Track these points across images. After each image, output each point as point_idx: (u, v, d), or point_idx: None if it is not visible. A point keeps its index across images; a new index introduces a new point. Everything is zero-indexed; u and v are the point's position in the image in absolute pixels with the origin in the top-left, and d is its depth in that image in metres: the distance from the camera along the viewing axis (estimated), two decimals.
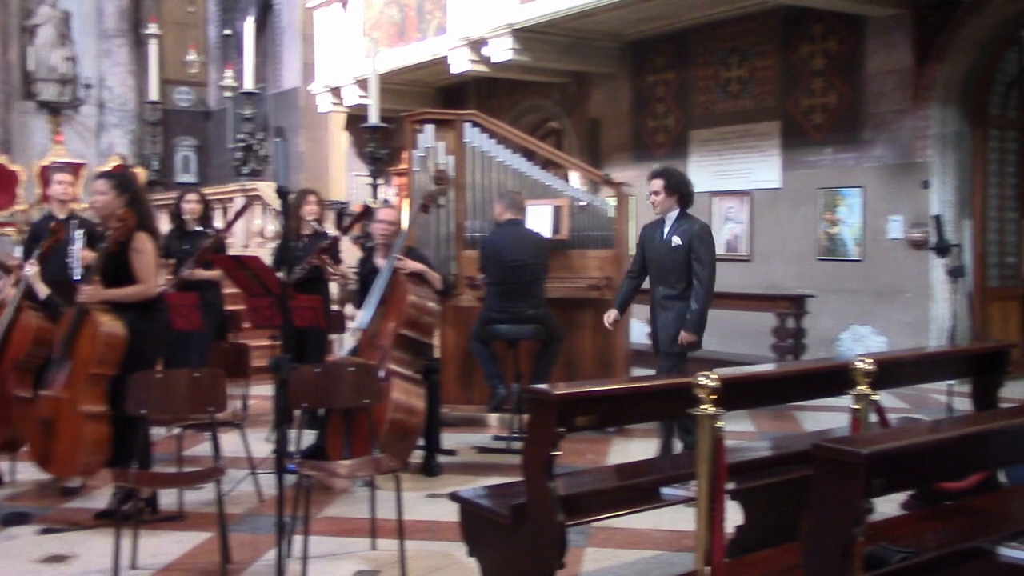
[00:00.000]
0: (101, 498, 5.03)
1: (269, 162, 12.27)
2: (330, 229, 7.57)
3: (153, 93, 13.25)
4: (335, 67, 12.73)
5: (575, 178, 9.46)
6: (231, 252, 8.11)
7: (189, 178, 14.02)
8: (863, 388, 3.35)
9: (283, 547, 3.66)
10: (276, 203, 10.17)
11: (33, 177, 12.15)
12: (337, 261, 6.86)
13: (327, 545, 4.43)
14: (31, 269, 5.26)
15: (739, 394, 3.53)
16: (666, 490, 3.44)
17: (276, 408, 5.60)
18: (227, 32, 14.20)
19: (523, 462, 3.31)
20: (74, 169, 9.56)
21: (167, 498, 4.99)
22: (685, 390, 2.91)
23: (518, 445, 5.88)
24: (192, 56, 14.17)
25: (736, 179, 10.44)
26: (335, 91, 12.88)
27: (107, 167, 12.43)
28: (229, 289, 7.35)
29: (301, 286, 6.44)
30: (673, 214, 5.66)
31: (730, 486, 3.15)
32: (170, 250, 7.04)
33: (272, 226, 11.00)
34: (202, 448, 6.21)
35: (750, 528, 4.03)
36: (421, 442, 5.73)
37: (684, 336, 5.56)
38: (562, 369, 6.96)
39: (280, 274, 5.76)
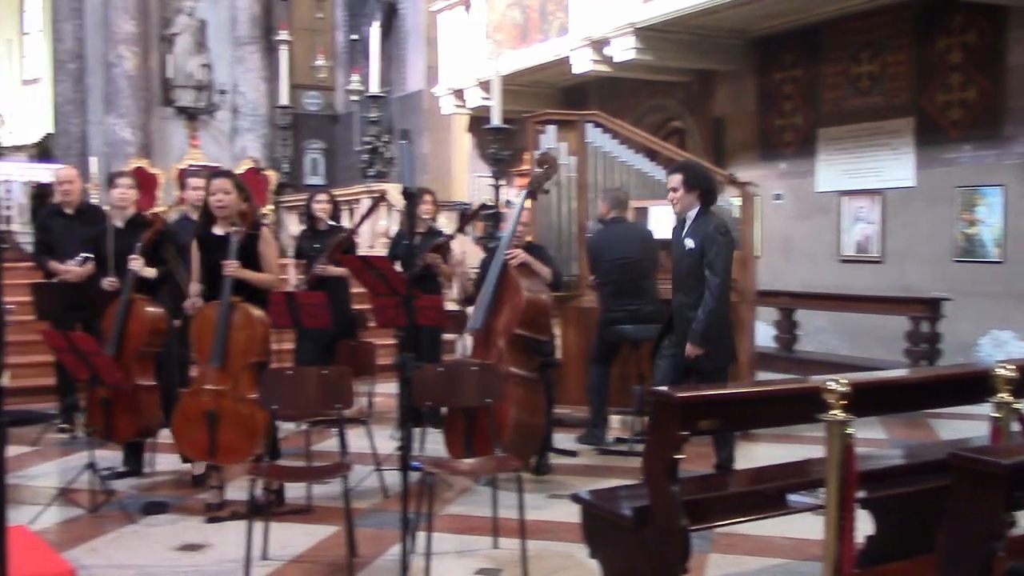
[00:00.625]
0: (234, 490, 5.19)
1: (394, 164, 12.49)
2: (447, 229, 7.66)
3: (283, 98, 13.66)
4: (458, 70, 12.87)
5: None
6: (358, 252, 8.29)
7: (318, 180, 14.39)
8: (1004, 396, 3.20)
9: (407, 542, 3.72)
10: (401, 204, 10.35)
11: (171, 180, 12.68)
12: (447, 260, 6.94)
13: (449, 542, 4.48)
14: (136, 263, 5.46)
15: (870, 400, 3.42)
16: (793, 497, 3.36)
17: (400, 406, 5.70)
18: (354, 37, 14.52)
19: (645, 465, 3.28)
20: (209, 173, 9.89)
21: (296, 491, 5.13)
22: (813, 395, 2.84)
23: (640, 448, 5.83)
24: (320, 61, 14.55)
25: (867, 178, 10.12)
26: (458, 93, 13.02)
27: (240, 170, 12.89)
28: (356, 289, 7.51)
29: (417, 284, 6.53)
30: (693, 213, 5.23)
31: (860, 495, 3.05)
32: (301, 249, 7.24)
33: (396, 227, 11.19)
34: (329, 444, 6.36)
35: (881, 539, 3.90)
36: None
37: (689, 348, 5.17)
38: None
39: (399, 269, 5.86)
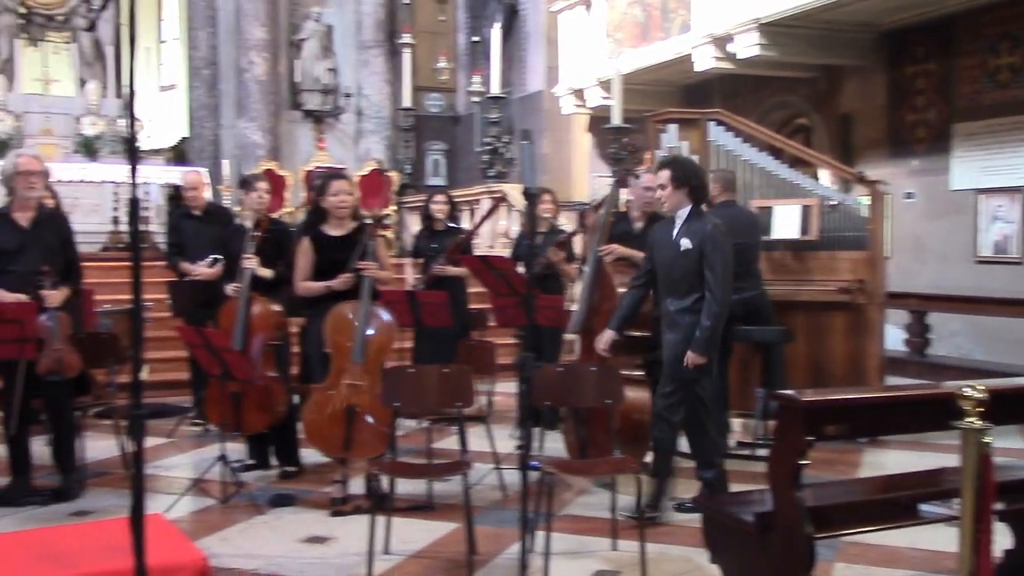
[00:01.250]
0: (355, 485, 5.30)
1: (514, 164, 12.54)
2: (569, 228, 7.65)
3: (406, 100, 13.89)
4: (578, 69, 12.86)
5: (825, 176, 9.08)
6: (478, 252, 8.37)
7: (439, 181, 14.57)
8: None
9: (526, 541, 3.73)
10: (521, 204, 10.39)
11: (299, 181, 13.03)
12: (571, 259, 6.92)
13: (568, 543, 4.47)
14: (249, 262, 5.61)
15: (1010, 408, 3.27)
16: (925, 507, 3.23)
17: (520, 406, 5.72)
18: (475, 39, 14.66)
19: (769, 470, 3.21)
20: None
21: (417, 487, 5.20)
22: (947, 401, 2.73)
23: (762, 452, 5.71)
24: (442, 63, 14.73)
25: (1006, 175, 9.67)
26: (578, 93, 13.00)
27: (364, 171, 13.16)
28: (474, 288, 7.58)
29: (538, 283, 6.54)
30: (684, 212, 4.85)
31: (998, 506, 2.92)
32: (419, 249, 7.35)
33: (516, 227, 11.25)
34: (449, 442, 6.44)
35: (1020, 553, 3.73)
36: None
37: (691, 357, 4.74)
38: (811, 375, 6.71)
39: (519, 269, 5.88)
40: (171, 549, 3.94)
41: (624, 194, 6.10)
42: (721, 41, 10.51)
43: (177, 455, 6.40)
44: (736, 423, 6.96)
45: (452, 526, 4.74)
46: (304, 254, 5.20)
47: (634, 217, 5.80)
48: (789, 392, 3.22)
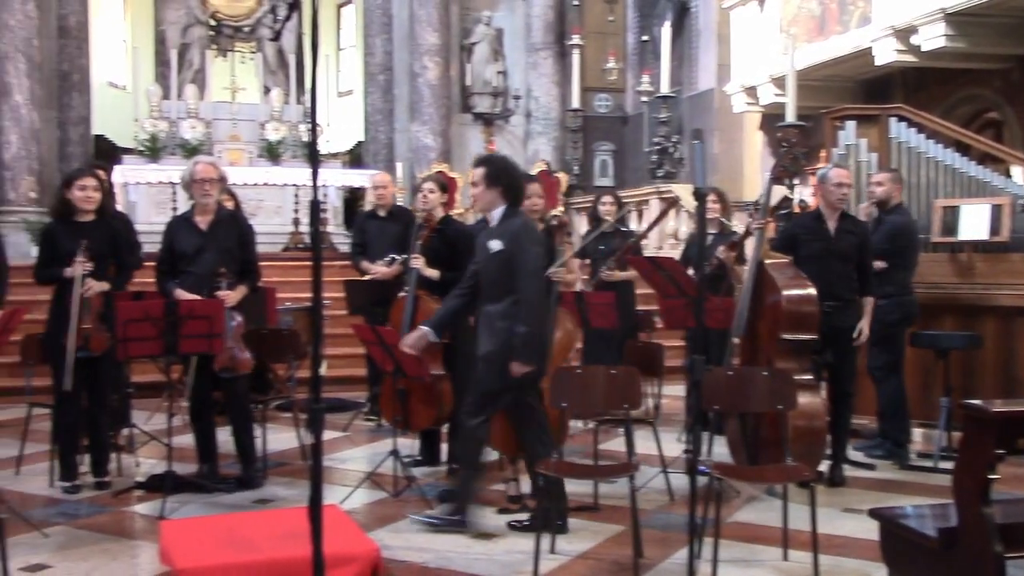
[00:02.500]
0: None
1: (683, 164, 12.37)
2: (740, 229, 7.47)
3: (575, 101, 13.91)
4: (750, 66, 12.57)
5: (1018, 173, 8.55)
6: (646, 254, 8.30)
7: (606, 182, 14.53)
8: None
9: (694, 547, 3.67)
10: (691, 205, 10.24)
11: (469, 183, 13.26)
12: (742, 261, 6.77)
13: (736, 550, 4.38)
14: (417, 262, 5.70)
15: None
16: None
17: (689, 409, 5.64)
18: (644, 38, 14.55)
19: (954, 484, 3.05)
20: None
21: (583, 488, 5.20)
22: None
23: (946, 465, 5.43)
24: (611, 63, 14.68)
25: None
26: (750, 91, 12.71)
27: (533, 173, 13.26)
28: (642, 289, 7.52)
29: (710, 285, 6.43)
30: (498, 212, 4.66)
31: None
32: (586, 250, 7.35)
33: (685, 228, 11.10)
34: (614, 443, 6.41)
35: None
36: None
37: (517, 368, 4.48)
38: (1001, 383, 6.33)
39: (689, 271, 5.78)
40: (346, 539, 4.07)
41: (802, 193, 5.93)
42: (904, 33, 10.05)
43: (352, 449, 6.62)
44: (917, 433, 6.64)
45: (618, 528, 4.71)
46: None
47: (826, 216, 5.63)
48: (978, 402, 3.04)
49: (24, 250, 10.74)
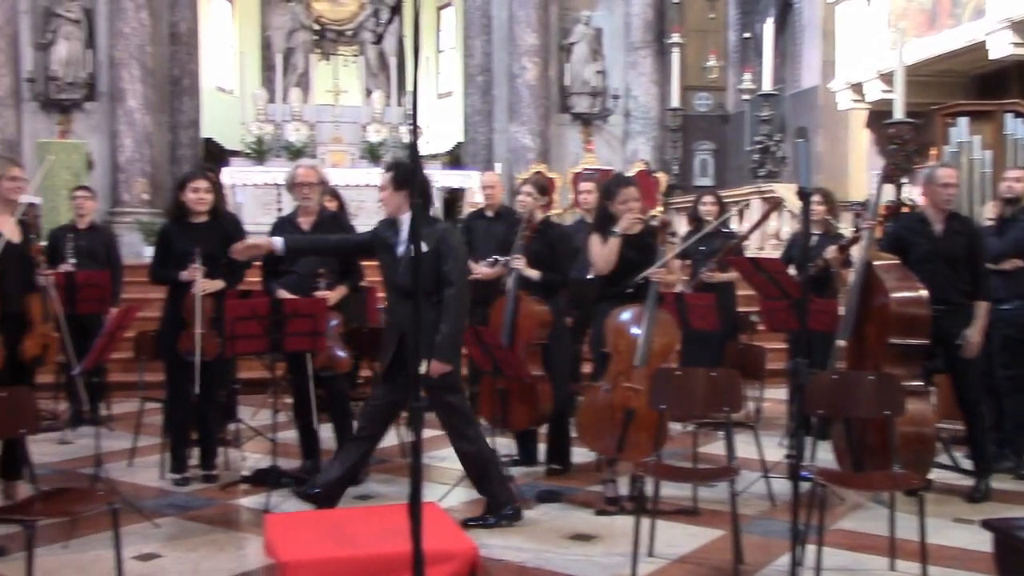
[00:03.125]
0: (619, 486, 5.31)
1: (786, 163, 12.14)
2: (846, 230, 7.30)
3: (674, 100, 13.77)
4: (856, 62, 12.26)
5: None
6: (748, 255, 8.17)
7: (706, 181, 14.35)
8: None
9: (797, 554, 3.60)
10: (795, 205, 10.05)
11: (567, 184, 13.25)
12: (848, 264, 6.60)
13: (840, 559, 4.27)
14: (517, 262, 5.70)
15: None
16: None
17: (791, 413, 5.53)
18: (746, 35, 14.32)
19: None
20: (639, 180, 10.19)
21: (682, 492, 5.14)
22: None
23: None
24: (711, 62, 14.50)
25: None
26: (856, 87, 12.39)
27: (632, 173, 13.18)
28: (743, 291, 7.40)
29: (815, 287, 6.29)
30: (407, 216, 4.66)
31: None
32: (687, 251, 7.27)
33: (787, 228, 10.89)
34: (714, 447, 6.33)
35: None
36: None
37: (434, 367, 4.58)
38: None
39: (790, 271, 5.66)
40: (445, 537, 4.11)
41: (911, 193, 5.75)
42: (1020, 26, 9.67)
43: (450, 447, 6.66)
44: None
45: (717, 533, 4.65)
46: (596, 244, 5.27)
47: (932, 217, 5.43)
48: None
49: (136, 249, 11.14)
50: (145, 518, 4.82)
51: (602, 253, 5.20)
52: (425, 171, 5.06)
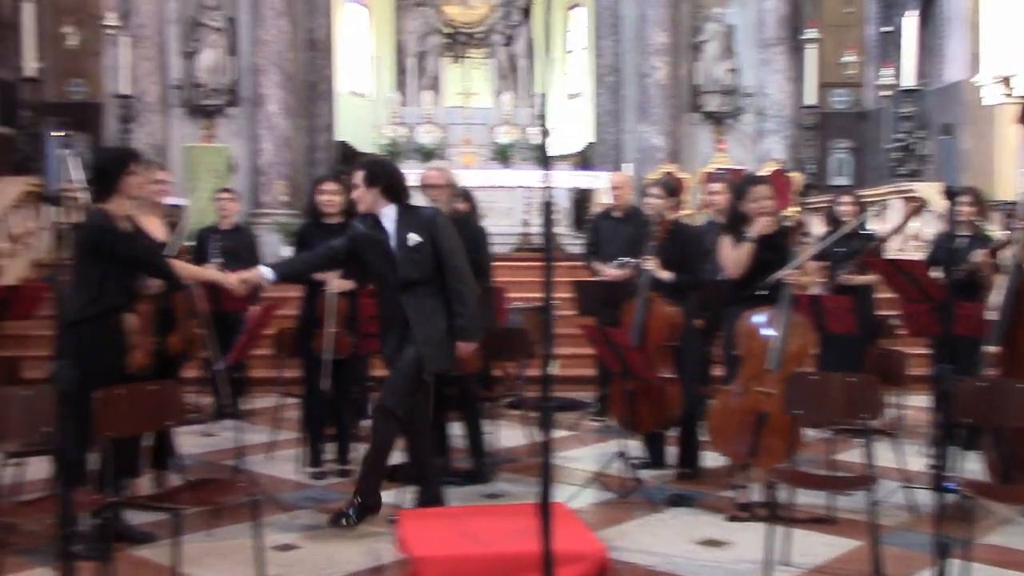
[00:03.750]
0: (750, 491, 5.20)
1: (928, 161, 11.68)
2: (996, 232, 6.97)
3: (810, 97, 13.41)
4: (1005, 55, 11.70)
5: None
6: (887, 256, 7.90)
7: (843, 181, 13.91)
8: None
9: (941, 568, 3.46)
10: (940, 205, 9.67)
11: (697, 184, 13.07)
12: (998, 268, 6.31)
13: (987, 575, 4.08)
14: (649, 263, 5.62)
15: None
16: None
17: (935, 421, 5.32)
18: (886, 29, 13.84)
19: None
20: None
21: (818, 499, 5.00)
22: None
23: None
24: (849, 57, 14.07)
25: None
26: (1005, 81, 11.83)
27: (764, 172, 12.90)
28: (883, 293, 7.16)
29: (961, 290, 6.03)
30: (390, 210, 4.78)
31: None
32: (823, 252, 7.07)
33: (930, 229, 10.49)
34: (852, 454, 6.14)
35: None
36: None
37: (464, 348, 4.78)
38: None
39: (934, 274, 5.44)
40: (574, 538, 4.11)
41: None
42: None
43: (579, 448, 6.67)
44: None
45: (855, 543, 4.50)
46: (726, 247, 5.19)
47: None
48: None
49: (275, 250, 11.49)
50: (283, 510, 4.98)
51: (734, 257, 5.11)
52: (393, 165, 5.23)
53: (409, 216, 4.81)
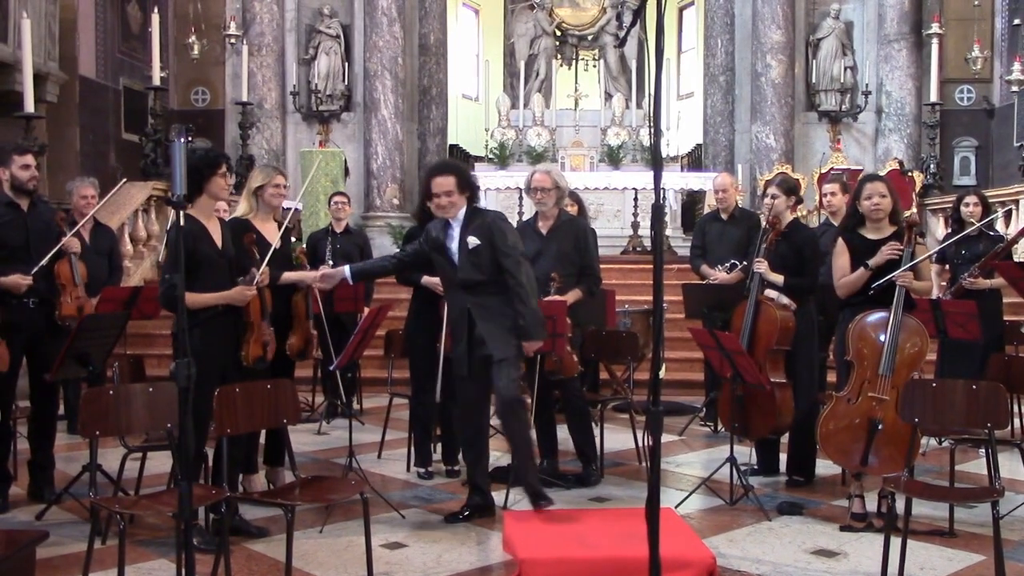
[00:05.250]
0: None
1: None
2: None
3: (932, 94, 12.97)
4: None
5: None
6: (1016, 259, 7.57)
7: (968, 180, 13.40)
8: None
9: None
10: None
11: (812, 185, 12.77)
12: None
13: None
14: (760, 265, 5.49)
15: None
16: None
17: None
18: (1016, 22, 13.27)
19: None
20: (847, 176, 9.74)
21: (936, 512, 4.83)
22: None
23: None
24: (975, 52, 13.55)
25: None
26: None
27: (884, 172, 12.53)
28: (1011, 298, 6.87)
29: None
30: (461, 214, 4.93)
31: None
32: (945, 255, 6.83)
33: None
34: (974, 465, 5.91)
35: None
36: None
37: (530, 346, 4.90)
38: None
39: None
40: (682, 544, 4.06)
41: None
42: None
43: (687, 453, 6.59)
44: None
45: (977, 558, 4.33)
46: (840, 254, 5.06)
47: None
48: None
49: (388, 252, 11.70)
50: (392, 508, 5.05)
51: (848, 281, 4.97)
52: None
53: (473, 218, 4.94)
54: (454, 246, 4.92)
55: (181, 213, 3.29)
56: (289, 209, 6.75)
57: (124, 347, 6.55)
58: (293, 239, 5.65)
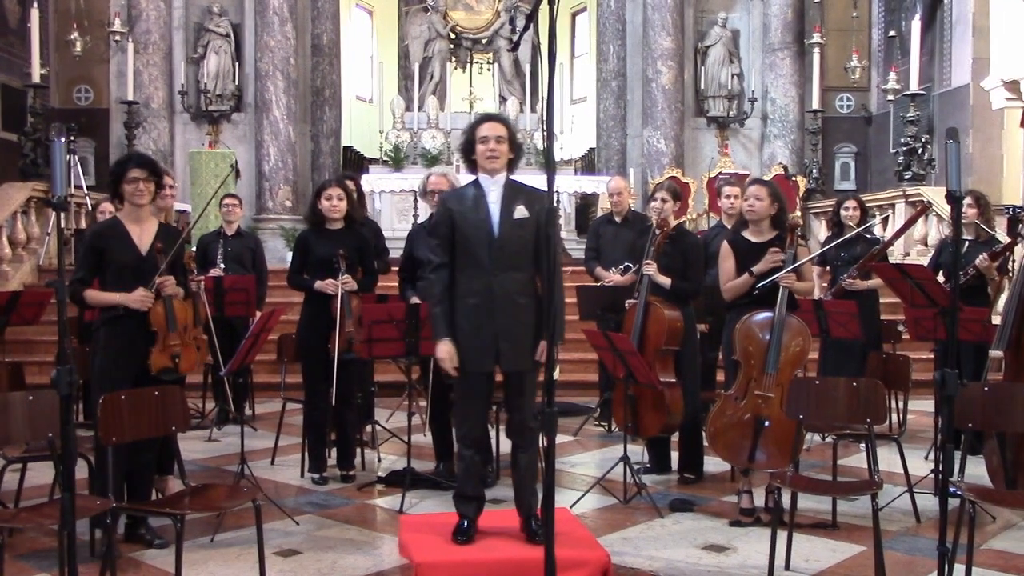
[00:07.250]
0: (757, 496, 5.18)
1: (934, 166, 11.67)
2: (1002, 236, 6.95)
3: (814, 102, 13.42)
4: (1013, 59, 11.68)
5: None
6: (892, 261, 7.89)
7: (848, 185, 13.91)
8: None
9: (944, 574, 3.45)
10: (944, 209, 9.65)
11: (702, 188, 13.06)
12: (1004, 271, 6.30)
13: None
14: (649, 268, 5.61)
15: None
16: None
17: (939, 426, 5.32)
18: (891, 34, 13.84)
19: None
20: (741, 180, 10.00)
21: (820, 505, 4.99)
22: None
23: None
24: (854, 62, 14.07)
25: None
26: (1011, 85, 11.79)
27: (769, 176, 12.90)
28: (887, 298, 7.15)
29: (966, 295, 6.01)
30: (500, 178, 4.31)
31: None
32: (826, 257, 7.06)
33: (935, 233, 10.47)
34: (855, 459, 6.13)
35: None
36: None
37: (543, 349, 3.96)
38: None
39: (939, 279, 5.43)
40: (577, 543, 4.10)
41: None
42: None
43: (582, 453, 6.66)
44: None
45: (858, 548, 4.49)
46: (726, 258, 5.17)
47: None
48: None
49: (280, 255, 11.51)
50: (286, 515, 4.98)
51: (732, 286, 5.09)
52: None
53: (517, 188, 4.37)
54: (495, 212, 4.24)
55: (61, 215, 3.18)
56: (183, 212, 6.59)
57: (3, 354, 6.29)
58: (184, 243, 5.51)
